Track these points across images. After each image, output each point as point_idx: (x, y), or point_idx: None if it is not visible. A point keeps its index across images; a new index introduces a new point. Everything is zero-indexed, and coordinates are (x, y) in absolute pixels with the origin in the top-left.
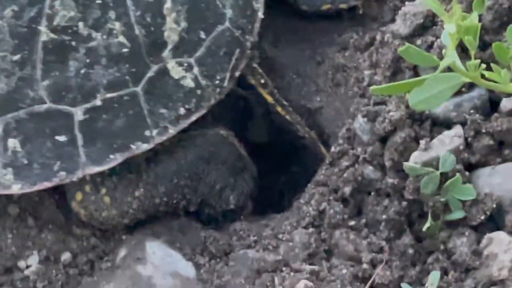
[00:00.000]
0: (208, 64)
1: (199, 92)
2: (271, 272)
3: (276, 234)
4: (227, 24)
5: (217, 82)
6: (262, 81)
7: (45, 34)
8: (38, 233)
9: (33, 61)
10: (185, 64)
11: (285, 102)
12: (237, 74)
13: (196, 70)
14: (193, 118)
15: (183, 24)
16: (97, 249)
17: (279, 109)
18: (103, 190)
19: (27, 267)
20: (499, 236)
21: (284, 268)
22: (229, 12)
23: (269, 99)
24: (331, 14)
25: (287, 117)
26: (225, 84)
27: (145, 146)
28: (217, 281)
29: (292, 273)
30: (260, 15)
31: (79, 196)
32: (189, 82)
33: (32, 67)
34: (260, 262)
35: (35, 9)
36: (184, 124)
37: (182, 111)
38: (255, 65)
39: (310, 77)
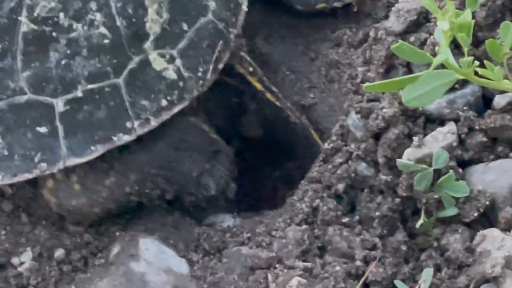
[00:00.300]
0: (191, 56)
1: (181, 84)
2: (264, 269)
3: (270, 231)
4: (210, 16)
5: (199, 74)
6: (251, 69)
7: (25, 24)
8: (32, 230)
9: (13, 52)
10: (167, 56)
11: (274, 89)
12: (220, 66)
13: (178, 62)
14: (176, 110)
15: (165, 16)
16: (90, 246)
17: (268, 95)
18: (74, 178)
19: (21, 263)
20: (492, 233)
21: (277, 265)
22: (212, 4)
23: (258, 86)
24: (326, 12)
25: (277, 103)
26: (208, 76)
27: (127, 138)
28: (211, 277)
29: (285, 270)
30: (244, 8)
31: (50, 183)
32: (171, 74)
33: (12, 58)
34: (253, 259)
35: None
36: (166, 115)
37: (164, 102)
38: (242, 53)
39: (303, 74)
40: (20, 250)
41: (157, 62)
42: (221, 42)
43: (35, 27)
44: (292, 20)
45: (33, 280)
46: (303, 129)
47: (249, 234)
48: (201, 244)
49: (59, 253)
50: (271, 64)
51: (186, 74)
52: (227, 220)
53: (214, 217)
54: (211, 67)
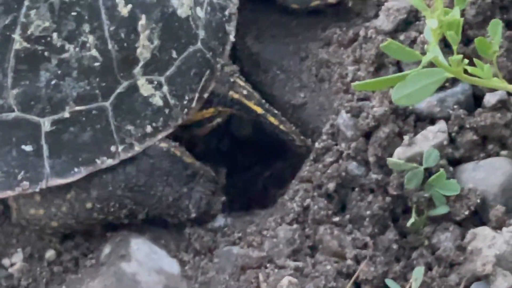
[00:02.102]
0: (178, 84)
1: (167, 111)
2: (255, 268)
3: (261, 231)
4: (199, 45)
5: (185, 102)
6: (245, 92)
7: (18, 42)
8: (22, 231)
9: (5, 69)
10: (155, 82)
11: (276, 111)
12: (205, 95)
13: (165, 89)
14: (159, 136)
15: (156, 42)
16: (81, 247)
17: (271, 119)
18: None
19: (11, 265)
20: (483, 231)
21: (268, 265)
22: (201, 33)
23: (259, 110)
24: (320, 9)
25: (281, 127)
26: (193, 104)
27: (110, 162)
28: (202, 277)
29: (276, 270)
30: (232, 38)
31: None
32: (158, 101)
33: (3, 75)
34: (244, 258)
35: (10, 17)
36: (150, 142)
37: (149, 129)
38: (234, 79)
39: (294, 73)
40: (10, 251)
41: (145, 88)
42: (208, 71)
43: (28, 46)
44: (282, 19)
45: (24, 281)
46: (307, 151)
47: (240, 234)
48: (192, 244)
49: (49, 254)
50: (262, 64)
51: (172, 101)
52: (218, 220)
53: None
54: (196, 95)
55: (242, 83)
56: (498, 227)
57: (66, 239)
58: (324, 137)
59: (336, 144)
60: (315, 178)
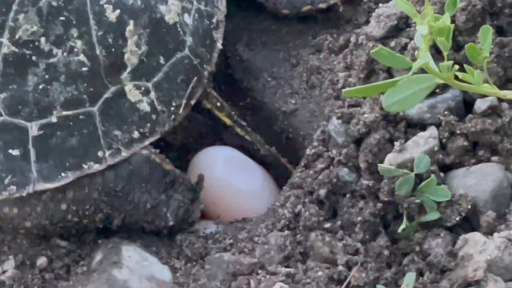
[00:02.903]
0: (165, 90)
1: (154, 117)
2: (247, 275)
3: (252, 237)
4: (186, 51)
5: (172, 108)
6: (218, 104)
7: (6, 46)
8: (14, 238)
9: None
10: (143, 88)
11: (243, 123)
12: (192, 102)
13: (153, 94)
14: (146, 142)
15: (144, 48)
16: (72, 254)
17: (238, 130)
18: None
19: (3, 272)
20: (474, 237)
21: (259, 271)
22: (189, 40)
23: (228, 121)
24: (310, 15)
25: (247, 137)
26: (180, 111)
27: (97, 167)
28: (193, 284)
29: (267, 276)
30: (219, 45)
31: None
32: (145, 106)
33: None
34: (236, 265)
35: None
36: (137, 147)
37: (136, 134)
38: (209, 90)
39: (284, 79)
40: (2, 259)
41: (132, 93)
42: (195, 78)
43: (16, 50)
44: (273, 26)
45: None
46: (273, 159)
47: (231, 240)
48: (183, 250)
49: (41, 261)
50: (253, 71)
51: (159, 107)
52: (210, 227)
53: (197, 223)
54: (184, 102)
55: (215, 94)
56: (489, 232)
57: (57, 246)
58: (315, 143)
59: (327, 151)
60: (306, 184)
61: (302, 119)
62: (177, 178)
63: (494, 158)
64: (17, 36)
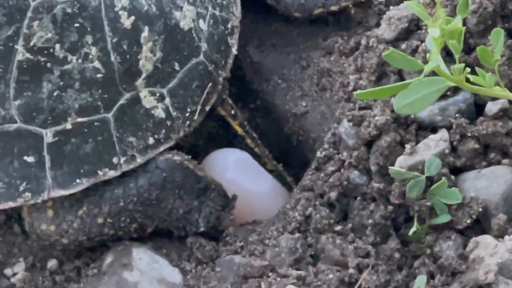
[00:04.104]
0: (180, 96)
1: (169, 123)
2: (257, 277)
3: (263, 240)
4: (201, 57)
5: (187, 114)
6: (232, 112)
7: (21, 53)
8: (24, 240)
9: (7, 80)
10: (158, 94)
11: (254, 135)
12: (207, 108)
13: (168, 101)
14: (161, 148)
15: (159, 54)
16: (83, 256)
17: (248, 141)
18: (50, 202)
19: (14, 274)
20: (485, 239)
21: (270, 274)
22: (204, 46)
23: (239, 130)
24: (321, 17)
25: (256, 149)
26: (195, 117)
27: (112, 173)
28: (204, 286)
29: (278, 278)
30: (234, 51)
31: None
32: (160, 113)
33: (5, 86)
34: (246, 267)
35: (13, 27)
36: (152, 154)
37: (151, 141)
38: (225, 96)
39: (295, 82)
40: (13, 261)
41: (147, 99)
42: (210, 83)
43: (31, 57)
44: (283, 28)
45: None
46: (279, 177)
47: (242, 243)
48: (194, 253)
49: (52, 263)
50: (263, 73)
51: (174, 113)
52: None
53: None
54: (199, 108)
55: (231, 102)
56: (500, 235)
57: (68, 249)
58: (326, 146)
59: (338, 153)
60: (317, 187)
61: (312, 122)
62: (209, 184)
63: (505, 160)
64: (31, 43)
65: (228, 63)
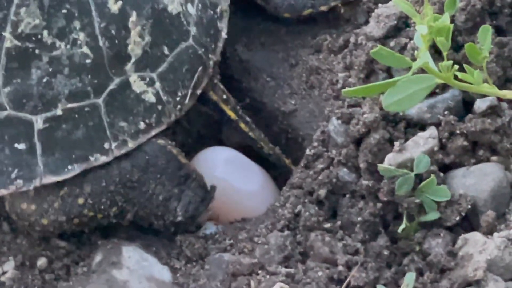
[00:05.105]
0: (170, 80)
1: (160, 107)
2: (246, 275)
3: (252, 237)
4: (190, 41)
5: (178, 98)
6: (224, 96)
7: (9, 40)
8: (14, 239)
9: None
10: (147, 79)
11: (248, 119)
12: (198, 92)
13: (158, 85)
14: (153, 133)
15: (147, 39)
16: (72, 254)
17: (242, 125)
18: None
19: (3, 273)
20: (474, 236)
21: (259, 271)
22: (193, 30)
23: (232, 115)
24: (311, 17)
25: (250, 134)
26: (186, 101)
27: (104, 159)
28: (193, 284)
29: (267, 276)
30: (224, 35)
31: None
32: (150, 97)
33: None
34: (235, 265)
35: (0, 15)
36: (143, 138)
37: (142, 125)
38: (216, 81)
39: (284, 80)
40: (2, 260)
41: (137, 84)
42: (200, 67)
43: (19, 43)
44: (272, 26)
45: None
46: (276, 159)
47: (231, 241)
48: (183, 251)
49: (41, 262)
50: (252, 71)
51: (165, 98)
52: (209, 227)
53: None
54: (189, 92)
55: (222, 87)
56: (488, 232)
57: (57, 247)
58: (315, 143)
59: (327, 151)
60: (306, 184)
61: (301, 120)
62: (191, 173)
63: (494, 158)
64: (19, 30)
65: (218, 46)
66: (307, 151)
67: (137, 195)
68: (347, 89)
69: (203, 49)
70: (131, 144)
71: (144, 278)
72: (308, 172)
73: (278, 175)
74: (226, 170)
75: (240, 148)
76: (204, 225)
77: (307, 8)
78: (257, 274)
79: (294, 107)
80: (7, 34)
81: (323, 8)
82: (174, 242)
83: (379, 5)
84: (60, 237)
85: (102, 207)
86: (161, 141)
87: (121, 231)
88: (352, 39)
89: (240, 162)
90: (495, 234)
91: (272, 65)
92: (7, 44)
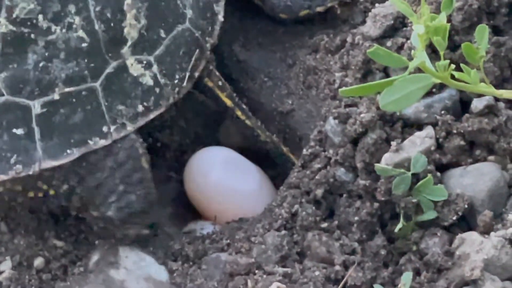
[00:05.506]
0: (167, 63)
1: (157, 90)
2: (244, 275)
3: (249, 237)
4: (187, 24)
5: (176, 81)
6: (220, 83)
7: (4, 25)
8: (11, 239)
9: None
10: (145, 62)
11: (244, 106)
12: (196, 74)
13: (155, 68)
14: (151, 116)
15: (143, 22)
16: (69, 254)
17: (238, 113)
18: None
19: (0, 273)
20: (471, 236)
21: (256, 271)
22: (189, 13)
23: (228, 102)
24: (309, 18)
25: (247, 122)
26: (184, 84)
27: (103, 142)
28: (190, 284)
29: (264, 276)
30: (220, 18)
31: None
32: (148, 80)
33: None
34: (233, 265)
35: None
36: (142, 121)
37: (140, 108)
38: (212, 67)
39: (281, 80)
40: None
41: (134, 67)
42: (197, 50)
43: (14, 28)
44: (269, 27)
45: None
46: (274, 147)
47: (228, 241)
48: (180, 251)
49: (38, 262)
50: (249, 71)
51: (162, 80)
52: (207, 227)
53: (193, 224)
54: (187, 74)
55: (218, 73)
56: (485, 232)
57: (54, 247)
58: (312, 143)
59: (324, 151)
60: (303, 184)
61: (299, 119)
62: (145, 181)
63: (491, 157)
64: (14, 15)
65: (215, 29)
66: (304, 151)
67: (89, 179)
68: (344, 88)
69: (199, 32)
70: (130, 127)
71: (141, 278)
72: (305, 171)
73: (276, 175)
74: (224, 170)
75: (237, 148)
76: (201, 224)
77: (303, 9)
78: (254, 274)
79: (291, 107)
80: (2, 19)
81: (320, 9)
82: (172, 242)
83: (376, 4)
84: (57, 237)
85: (55, 182)
86: (133, 136)
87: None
88: (349, 39)
89: (237, 162)
90: (492, 233)
91: (269, 65)
92: (2, 29)
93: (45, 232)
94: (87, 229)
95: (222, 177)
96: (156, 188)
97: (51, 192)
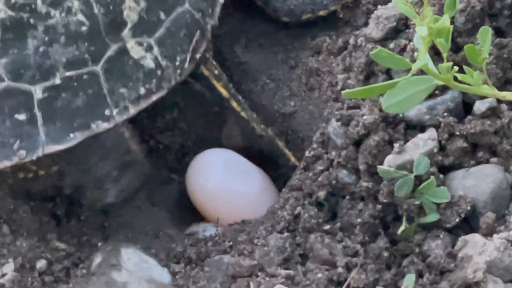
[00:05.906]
0: (168, 45)
1: (159, 72)
2: (246, 277)
3: (251, 239)
4: (187, 6)
5: (177, 63)
6: (216, 72)
7: (2, 11)
8: (13, 241)
9: None
10: (145, 44)
11: (240, 98)
12: (197, 56)
13: (156, 50)
14: (154, 98)
15: (143, 4)
16: (72, 256)
17: (234, 104)
18: None
19: (3, 275)
20: (474, 238)
21: (259, 273)
22: None
23: (224, 92)
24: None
25: (242, 113)
26: (186, 65)
27: (105, 125)
28: (193, 286)
29: (267, 278)
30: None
31: None
32: (149, 62)
33: None
34: (235, 267)
35: None
36: (144, 104)
37: (142, 91)
38: (209, 56)
39: (283, 82)
40: (1, 262)
41: (135, 50)
42: (198, 31)
43: (13, 14)
44: (271, 28)
45: None
46: (269, 142)
47: (231, 243)
48: (183, 253)
49: (41, 264)
50: (251, 73)
51: (163, 63)
52: (209, 229)
53: (196, 226)
54: (188, 56)
55: (214, 63)
56: (488, 234)
57: (57, 250)
58: (314, 145)
59: (327, 153)
60: (305, 186)
61: (301, 121)
62: (137, 161)
63: (494, 159)
64: (13, 0)
65: (215, 11)
66: (307, 153)
67: (77, 161)
68: (346, 90)
69: (200, 14)
70: (132, 110)
71: (143, 280)
72: (307, 173)
73: (278, 177)
74: (226, 172)
75: (239, 150)
76: (203, 226)
77: (306, 13)
78: (257, 276)
79: (293, 109)
80: (1, 5)
81: (323, 13)
82: (174, 244)
83: (379, 6)
84: (59, 239)
85: (45, 162)
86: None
87: (121, 233)
88: (351, 41)
89: (239, 164)
90: (495, 235)
91: (271, 66)
92: (1, 15)
93: (47, 234)
94: (90, 231)
95: (224, 179)
96: (158, 190)
97: (41, 172)
